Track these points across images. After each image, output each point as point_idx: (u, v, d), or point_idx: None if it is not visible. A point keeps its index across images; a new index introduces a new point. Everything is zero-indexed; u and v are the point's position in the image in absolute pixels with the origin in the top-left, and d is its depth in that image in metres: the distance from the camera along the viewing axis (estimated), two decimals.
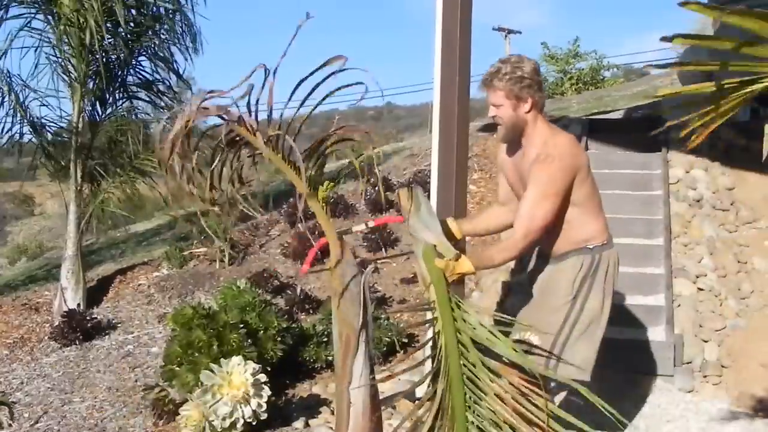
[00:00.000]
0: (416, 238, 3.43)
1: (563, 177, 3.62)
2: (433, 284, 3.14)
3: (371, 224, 4.67)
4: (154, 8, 7.94)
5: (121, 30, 7.66)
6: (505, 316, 3.37)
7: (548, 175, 3.59)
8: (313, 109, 2.92)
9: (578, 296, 3.76)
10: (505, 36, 29.98)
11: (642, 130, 7.57)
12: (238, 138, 3.23)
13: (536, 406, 2.90)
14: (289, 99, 2.80)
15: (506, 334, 3.13)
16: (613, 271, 3.87)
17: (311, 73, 2.70)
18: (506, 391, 2.92)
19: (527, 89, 3.65)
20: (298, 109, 2.94)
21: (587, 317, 3.76)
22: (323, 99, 2.81)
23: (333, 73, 2.74)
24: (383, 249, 7.76)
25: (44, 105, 7.83)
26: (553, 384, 3.70)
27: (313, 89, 2.79)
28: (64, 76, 7.72)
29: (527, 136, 3.75)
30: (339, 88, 2.75)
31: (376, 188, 7.99)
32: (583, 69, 24.88)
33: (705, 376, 5.54)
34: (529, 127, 3.72)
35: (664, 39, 2.16)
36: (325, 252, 3.63)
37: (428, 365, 4.91)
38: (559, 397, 3.89)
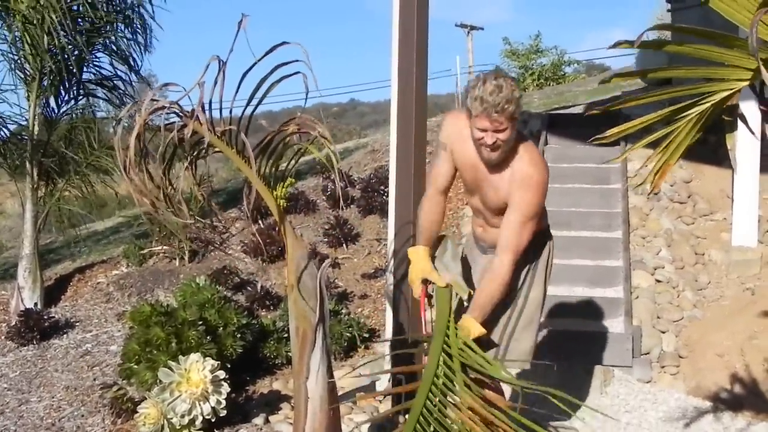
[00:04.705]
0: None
1: (543, 199, 3.59)
2: (437, 317, 3.46)
3: None
4: (114, 2, 7.86)
5: (80, 25, 7.56)
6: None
7: (533, 199, 3.52)
8: (260, 101, 2.89)
9: (522, 287, 3.80)
10: (468, 32, 30.01)
11: (601, 125, 7.61)
12: (190, 133, 3.20)
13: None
14: (237, 91, 2.79)
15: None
16: (551, 260, 3.93)
17: (254, 64, 2.68)
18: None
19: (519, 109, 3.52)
20: (248, 102, 2.91)
21: (531, 307, 3.83)
22: (267, 91, 2.80)
23: (281, 65, 2.73)
24: (344, 245, 7.75)
25: (2, 101, 7.69)
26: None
27: (261, 81, 2.77)
28: (20, 73, 7.59)
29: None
30: (280, 80, 2.74)
31: (336, 184, 7.96)
32: (544, 65, 25.04)
33: (663, 367, 5.60)
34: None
35: (611, 47, 2.25)
36: (283, 248, 3.64)
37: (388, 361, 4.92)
38: (508, 390, 3.90)
